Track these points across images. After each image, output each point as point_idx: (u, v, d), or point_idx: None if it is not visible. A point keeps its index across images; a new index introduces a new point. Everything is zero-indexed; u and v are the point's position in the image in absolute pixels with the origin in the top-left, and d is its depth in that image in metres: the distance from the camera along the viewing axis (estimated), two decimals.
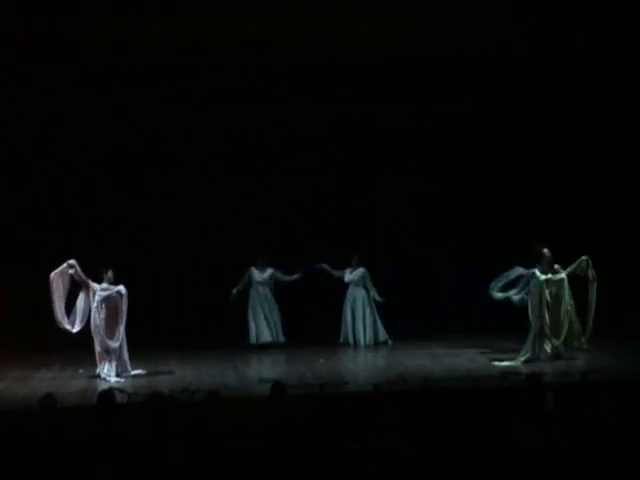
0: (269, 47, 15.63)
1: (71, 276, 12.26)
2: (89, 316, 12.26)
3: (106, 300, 12.34)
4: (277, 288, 14.89)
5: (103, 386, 10.82)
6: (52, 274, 12.17)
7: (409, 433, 6.45)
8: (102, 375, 12.09)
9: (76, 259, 12.46)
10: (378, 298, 14.49)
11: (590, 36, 15.70)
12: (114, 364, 12.22)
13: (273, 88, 16.64)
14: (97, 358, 12.22)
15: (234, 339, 14.37)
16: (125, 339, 12.38)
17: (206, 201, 16.88)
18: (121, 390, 9.11)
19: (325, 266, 14.72)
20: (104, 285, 12.41)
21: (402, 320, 14.66)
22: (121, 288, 12.43)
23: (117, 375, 12.20)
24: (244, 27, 15.18)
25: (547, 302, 12.72)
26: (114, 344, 12.27)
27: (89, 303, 12.27)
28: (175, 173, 17.07)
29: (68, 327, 12.18)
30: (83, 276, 12.28)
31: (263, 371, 11.77)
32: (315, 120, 16.96)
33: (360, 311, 14.61)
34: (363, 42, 15.66)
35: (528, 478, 5.97)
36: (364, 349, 14.28)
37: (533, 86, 17.18)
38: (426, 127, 17.41)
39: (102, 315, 12.27)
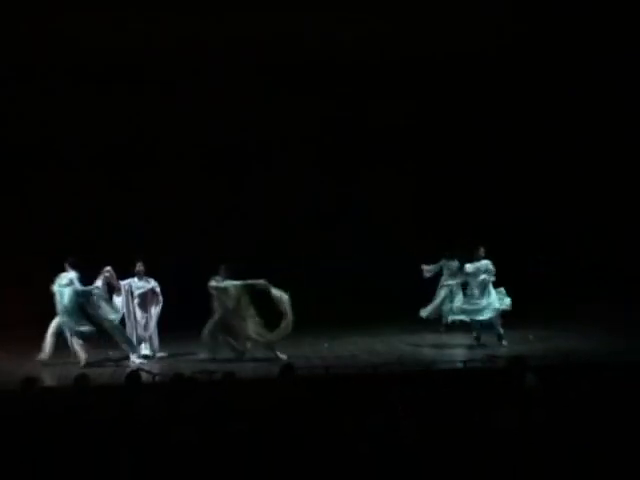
0: (268, 47, 16.30)
1: (107, 279, 13.06)
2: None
3: (141, 295, 13.35)
4: None
5: (130, 367, 11.63)
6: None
7: (407, 412, 7.07)
8: (130, 357, 13.03)
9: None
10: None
11: (590, 37, 16.35)
12: (141, 347, 13.28)
13: (271, 87, 17.22)
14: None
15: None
16: (156, 327, 13.42)
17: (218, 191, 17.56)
18: (147, 371, 9.78)
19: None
20: (139, 283, 13.38)
21: (399, 308, 15.60)
22: (155, 285, 13.46)
23: (144, 357, 13.14)
24: (240, 27, 15.84)
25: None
26: (145, 333, 13.38)
27: (123, 300, 13.18)
28: (173, 171, 17.66)
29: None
30: (116, 281, 13.10)
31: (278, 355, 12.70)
32: (313, 119, 17.55)
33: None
34: (361, 43, 16.35)
35: (510, 456, 6.51)
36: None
37: (532, 86, 17.70)
38: (424, 126, 18.05)
39: (135, 305, 13.36)
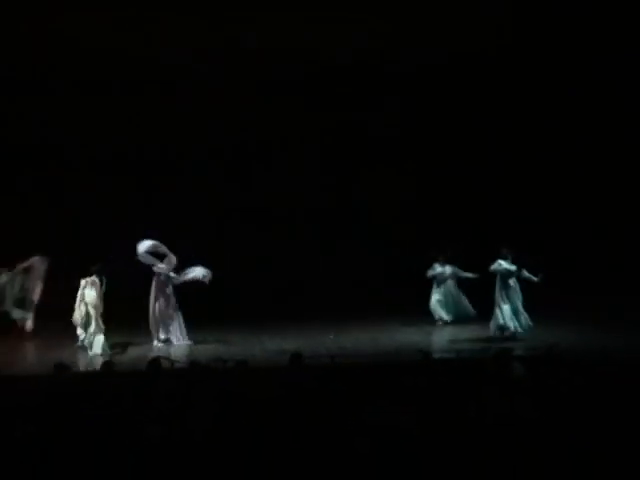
0: (268, 47, 16.89)
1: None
2: None
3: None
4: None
5: (151, 354, 12.55)
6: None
7: (405, 400, 7.99)
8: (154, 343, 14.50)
9: None
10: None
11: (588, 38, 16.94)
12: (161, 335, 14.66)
13: (271, 87, 17.83)
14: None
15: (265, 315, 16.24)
16: (181, 316, 14.70)
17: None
18: (166, 358, 10.82)
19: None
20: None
21: (399, 303, 16.62)
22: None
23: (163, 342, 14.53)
24: (240, 28, 16.52)
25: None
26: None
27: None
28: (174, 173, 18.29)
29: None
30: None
31: (284, 344, 13.73)
32: (313, 119, 18.17)
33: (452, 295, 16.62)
34: (362, 42, 16.98)
35: (497, 439, 7.05)
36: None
37: (532, 86, 18.22)
38: (425, 126, 18.63)
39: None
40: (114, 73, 17.30)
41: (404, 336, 15.15)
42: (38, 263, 15.07)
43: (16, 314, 14.91)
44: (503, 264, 14.67)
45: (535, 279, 14.66)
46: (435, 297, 16.58)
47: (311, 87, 17.83)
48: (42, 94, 17.22)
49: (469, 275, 16.43)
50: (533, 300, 14.80)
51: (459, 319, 16.44)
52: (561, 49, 17.35)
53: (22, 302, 14.95)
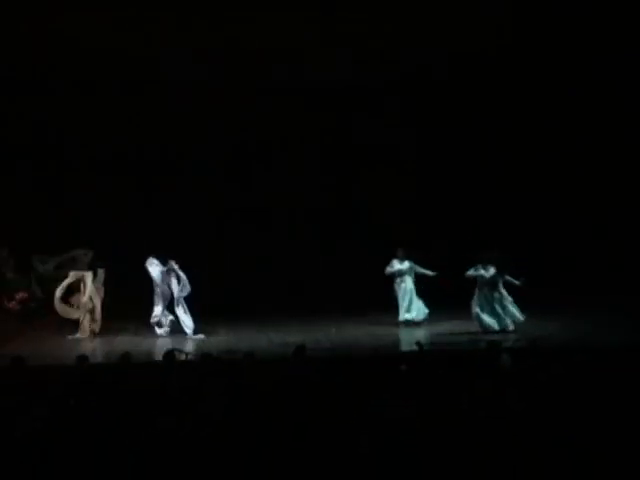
0: (268, 47, 17.13)
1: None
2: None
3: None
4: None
5: (165, 347, 13.07)
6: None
7: (405, 392, 8.69)
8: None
9: None
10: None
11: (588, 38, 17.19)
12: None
13: (271, 87, 18.28)
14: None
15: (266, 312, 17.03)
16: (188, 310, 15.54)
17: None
18: (180, 350, 11.63)
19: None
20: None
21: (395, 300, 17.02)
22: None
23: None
24: (239, 28, 16.73)
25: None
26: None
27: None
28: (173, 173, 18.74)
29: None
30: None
31: (288, 338, 14.33)
32: (313, 119, 18.66)
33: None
34: (361, 41, 17.26)
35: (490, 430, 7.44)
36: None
37: (532, 85, 18.63)
38: (424, 126, 19.06)
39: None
40: (114, 73, 17.57)
41: (401, 331, 15.86)
42: (81, 256, 15.92)
43: (38, 293, 15.77)
44: (480, 270, 15.06)
45: (517, 282, 14.99)
46: (401, 300, 16.81)
47: (311, 87, 18.13)
48: (42, 94, 17.53)
49: (427, 272, 16.69)
50: (533, 300, 15.25)
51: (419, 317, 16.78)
52: (561, 49, 17.60)
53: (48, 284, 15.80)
